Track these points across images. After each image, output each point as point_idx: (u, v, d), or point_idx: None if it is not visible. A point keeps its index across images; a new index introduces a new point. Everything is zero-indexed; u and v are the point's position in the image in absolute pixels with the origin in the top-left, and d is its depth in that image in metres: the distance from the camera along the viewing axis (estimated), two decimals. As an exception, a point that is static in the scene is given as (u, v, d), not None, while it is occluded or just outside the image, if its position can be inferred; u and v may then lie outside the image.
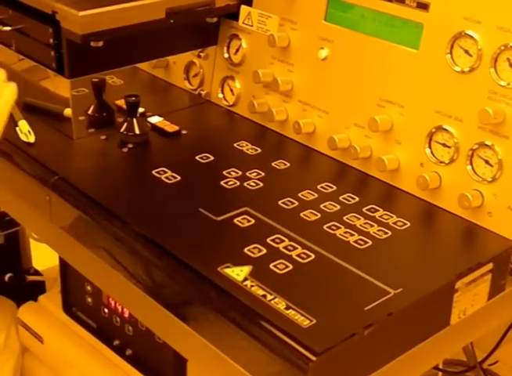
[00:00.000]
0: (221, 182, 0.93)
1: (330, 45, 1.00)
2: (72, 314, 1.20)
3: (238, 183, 0.93)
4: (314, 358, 0.68)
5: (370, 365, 0.74)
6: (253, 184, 0.93)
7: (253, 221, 0.85)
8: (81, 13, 0.94)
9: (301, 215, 0.87)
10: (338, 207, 0.89)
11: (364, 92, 0.96)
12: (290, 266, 0.78)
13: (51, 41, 0.99)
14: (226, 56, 1.12)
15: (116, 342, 1.08)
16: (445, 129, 0.89)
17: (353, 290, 0.77)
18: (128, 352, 1.07)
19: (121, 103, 1.07)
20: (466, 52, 0.88)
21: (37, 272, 1.52)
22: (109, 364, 1.15)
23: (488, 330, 0.90)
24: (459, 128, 0.88)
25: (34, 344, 1.31)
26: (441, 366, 1.28)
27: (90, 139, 1.03)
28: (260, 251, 0.81)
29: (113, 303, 1.06)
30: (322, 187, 0.93)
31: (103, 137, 1.02)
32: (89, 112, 1.06)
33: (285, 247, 0.81)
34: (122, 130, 1.01)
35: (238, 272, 0.77)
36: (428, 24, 0.91)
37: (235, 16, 1.10)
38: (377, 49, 0.95)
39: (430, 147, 0.91)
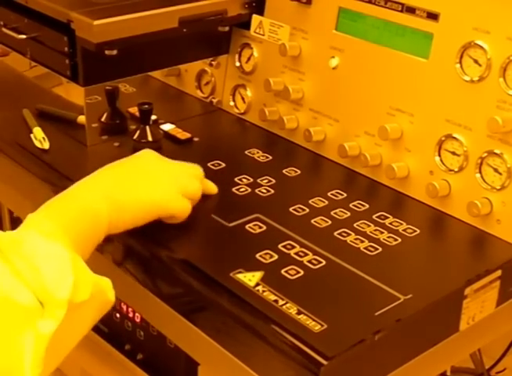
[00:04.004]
0: (233, 189, 0.94)
1: (341, 54, 1.01)
2: (83, 319, 1.20)
3: (249, 190, 0.94)
4: (325, 362, 0.68)
5: (380, 370, 0.75)
6: (264, 191, 0.94)
7: (264, 227, 0.86)
8: (96, 22, 0.96)
9: (312, 221, 0.88)
10: (348, 214, 0.90)
11: (374, 100, 0.97)
12: (302, 272, 0.79)
13: (66, 49, 1.00)
14: (238, 64, 1.13)
15: (127, 347, 1.09)
16: (455, 137, 0.90)
17: (363, 295, 0.77)
18: (139, 356, 1.07)
19: (134, 110, 1.08)
20: (476, 61, 0.89)
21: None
22: (120, 369, 1.16)
23: (497, 336, 0.90)
24: (469, 137, 0.89)
25: (46, 348, 1.31)
26: (448, 374, 1.28)
27: (103, 145, 1.04)
28: (271, 256, 0.81)
29: (124, 308, 1.07)
30: (332, 194, 0.94)
31: (116, 144, 1.04)
32: (102, 119, 1.07)
33: (296, 253, 0.82)
34: (135, 137, 1.02)
35: (250, 278, 0.78)
36: (438, 34, 0.92)
37: (246, 25, 1.11)
38: (387, 58, 0.96)
39: (439, 155, 0.92)
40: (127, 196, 0.83)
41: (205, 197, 0.93)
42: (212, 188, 0.92)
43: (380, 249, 0.84)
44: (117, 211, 0.81)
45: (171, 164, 0.90)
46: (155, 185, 0.85)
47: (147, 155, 0.90)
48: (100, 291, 0.74)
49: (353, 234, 0.86)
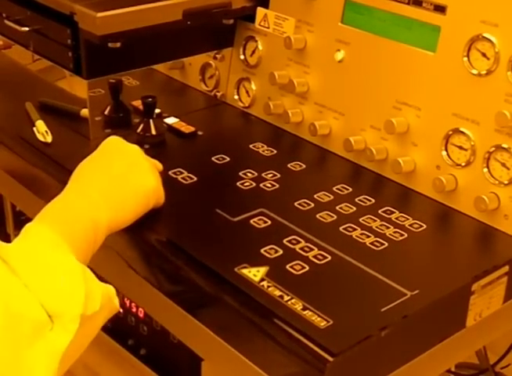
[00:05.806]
0: (238, 183, 0.93)
1: (347, 47, 1.00)
2: (86, 313, 1.20)
3: (254, 184, 0.93)
4: (331, 359, 0.68)
5: (386, 366, 0.74)
6: (269, 185, 0.93)
7: (269, 222, 0.86)
8: (99, 14, 0.95)
9: (317, 216, 0.87)
10: (354, 208, 0.89)
11: (380, 94, 0.96)
12: (307, 267, 0.79)
13: (69, 41, 0.99)
14: (242, 57, 1.12)
15: (130, 342, 1.09)
16: (462, 132, 0.89)
17: (369, 291, 0.77)
18: (143, 351, 1.07)
19: (138, 103, 1.07)
20: (484, 54, 0.88)
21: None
22: (123, 364, 1.15)
23: (504, 332, 0.90)
24: (476, 131, 0.88)
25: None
26: (453, 369, 1.28)
27: (107, 139, 1.03)
28: (276, 251, 0.81)
29: (128, 303, 1.06)
30: (337, 189, 0.93)
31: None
32: (106, 112, 1.06)
33: (301, 249, 0.81)
34: (139, 131, 1.02)
35: (255, 273, 0.77)
36: (445, 27, 0.91)
37: (251, 17, 1.10)
38: (394, 52, 0.95)
39: (446, 150, 0.91)
40: (124, 193, 0.82)
41: (209, 192, 0.92)
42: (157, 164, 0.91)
43: (386, 244, 0.83)
44: (117, 212, 0.80)
45: (135, 146, 0.88)
46: (143, 172, 0.84)
47: (116, 143, 0.88)
48: (108, 300, 0.73)
49: (359, 229, 0.85)
